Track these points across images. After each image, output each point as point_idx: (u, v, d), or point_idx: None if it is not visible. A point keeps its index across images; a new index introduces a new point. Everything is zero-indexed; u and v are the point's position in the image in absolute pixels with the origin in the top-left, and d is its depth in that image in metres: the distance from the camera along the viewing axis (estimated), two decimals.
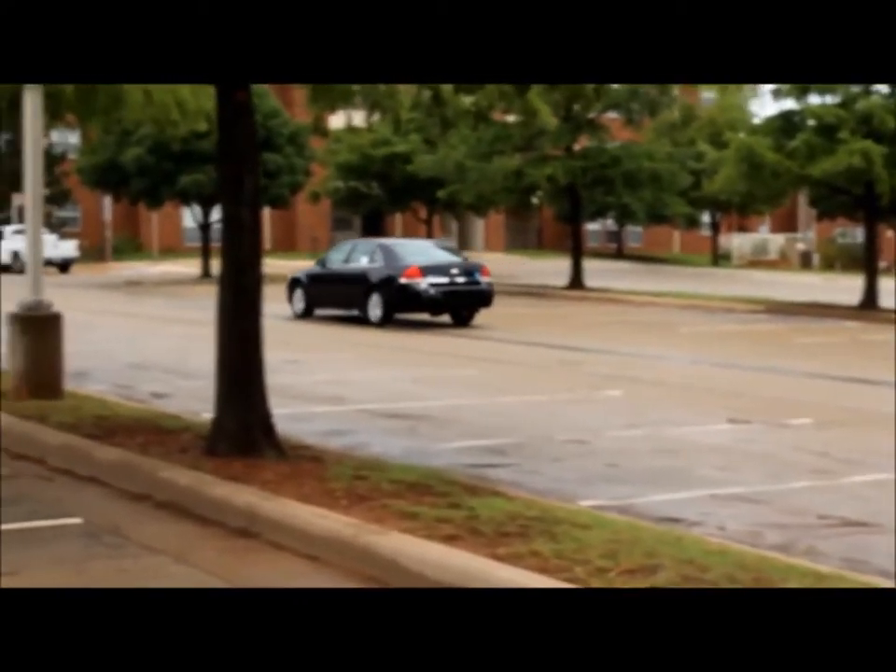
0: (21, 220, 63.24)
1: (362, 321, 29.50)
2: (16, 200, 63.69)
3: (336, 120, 18.20)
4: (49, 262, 59.35)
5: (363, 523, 8.36)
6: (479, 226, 79.71)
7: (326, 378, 18.53)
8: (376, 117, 14.08)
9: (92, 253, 66.48)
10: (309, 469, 10.26)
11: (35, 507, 9.87)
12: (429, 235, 57.39)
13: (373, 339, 25.93)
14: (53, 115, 16.35)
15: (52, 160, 68.12)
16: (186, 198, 50.86)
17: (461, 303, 30.26)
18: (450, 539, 7.93)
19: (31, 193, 15.21)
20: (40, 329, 15.04)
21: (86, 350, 21.92)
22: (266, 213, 72.89)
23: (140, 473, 10.38)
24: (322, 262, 32.43)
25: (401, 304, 29.68)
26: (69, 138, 65.95)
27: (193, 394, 15.73)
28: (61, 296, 35.09)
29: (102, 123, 18.17)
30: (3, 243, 60.74)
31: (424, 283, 29.49)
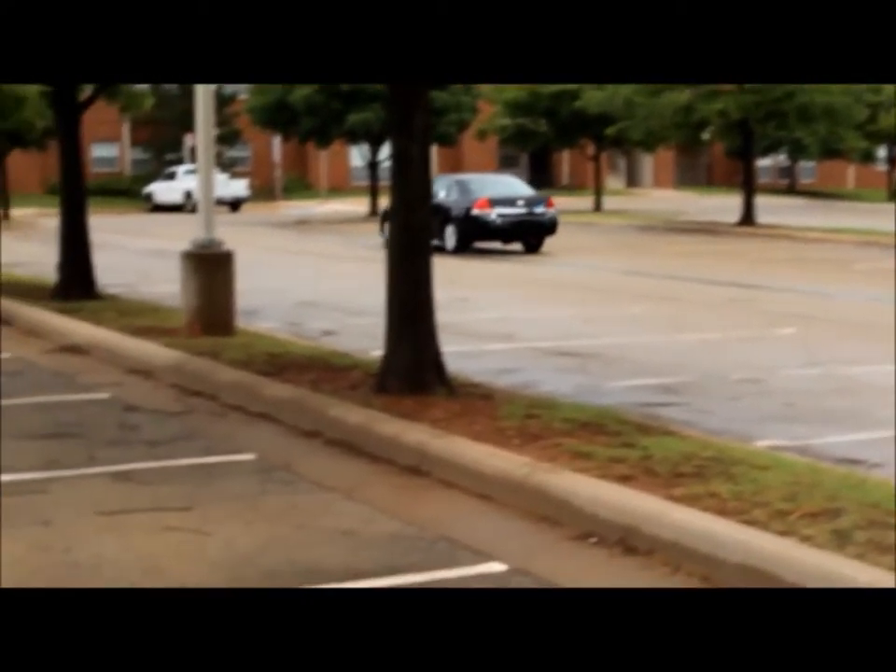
0: (193, 160, 64.15)
1: (441, 250, 30.35)
2: (188, 140, 64.56)
3: None
4: (220, 202, 60.13)
5: (535, 462, 8.24)
6: (648, 163, 78.92)
7: (494, 315, 18.44)
8: None
9: (262, 192, 67.25)
10: (480, 406, 10.17)
11: (209, 443, 9.94)
12: (597, 172, 56.87)
13: (532, 275, 25.74)
14: None
15: (223, 100, 68.86)
16: (354, 137, 51.13)
17: (527, 232, 32.59)
18: (624, 479, 7.79)
19: (202, 133, 15.32)
20: (212, 266, 15.18)
21: (257, 288, 22.13)
22: (433, 151, 72.98)
23: (311, 410, 10.39)
24: None
25: (473, 233, 32.40)
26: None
27: (362, 331, 15.74)
28: (232, 234, 35.47)
29: None
30: (176, 183, 61.75)
31: (492, 213, 32.07)
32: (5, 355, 14.53)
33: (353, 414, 9.98)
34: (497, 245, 33.31)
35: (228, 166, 68.63)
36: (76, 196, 19.44)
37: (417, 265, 10.96)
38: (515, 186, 35.38)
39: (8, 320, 17.41)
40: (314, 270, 27.54)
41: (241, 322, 16.01)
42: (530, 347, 15.24)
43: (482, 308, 19.65)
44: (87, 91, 20.86)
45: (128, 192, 68.67)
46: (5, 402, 11.54)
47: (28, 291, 19.76)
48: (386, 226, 31.33)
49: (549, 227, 32.74)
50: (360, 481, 8.74)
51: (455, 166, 75.44)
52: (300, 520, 7.80)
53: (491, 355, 14.64)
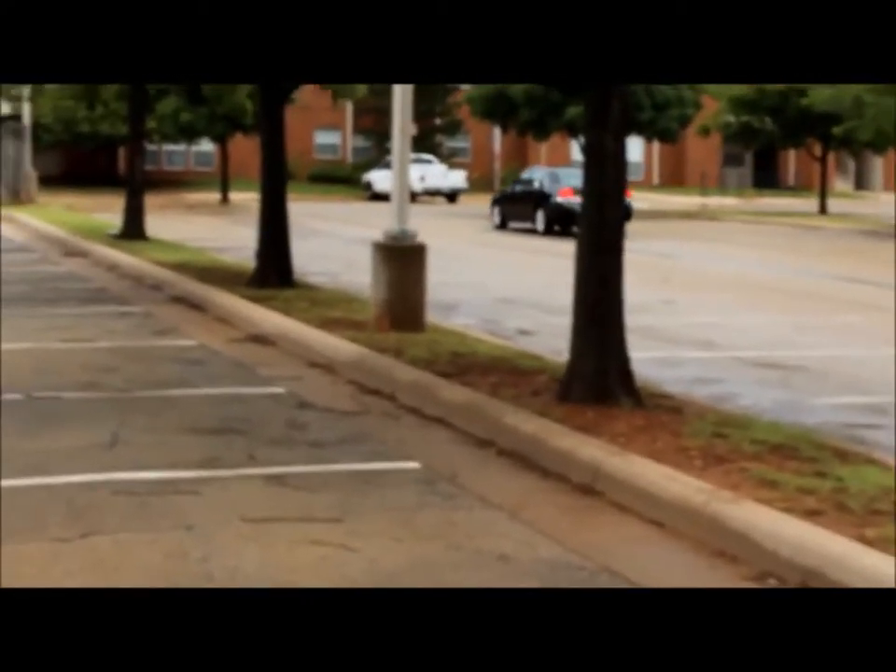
0: (414, 151, 64.25)
1: (534, 231, 37.84)
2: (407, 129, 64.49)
3: None
4: (437, 192, 60.35)
5: (716, 488, 7.53)
6: (877, 164, 76.40)
7: (696, 320, 17.62)
8: None
9: (481, 183, 66.99)
10: (665, 421, 9.47)
11: (377, 447, 9.46)
12: (823, 174, 55.15)
13: (743, 278, 24.72)
14: None
15: (445, 91, 68.88)
16: (573, 129, 50.35)
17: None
18: (811, 514, 7.01)
19: (398, 125, 14.91)
20: (404, 259, 14.74)
21: (458, 281, 21.74)
22: (654, 147, 71.93)
23: (486, 417, 9.83)
24: (512, 186, 42.08)
25: (558, 218, 37.56)
26: None
27: (561, 332, 15.04)
28: (442, 226, 35.29)
29: None
30: (389, 172, 61.79)
31: (577, 201, 33.48)
32: (190, 342, 14.33)
33: (528, 423, 9.38)
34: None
35: (447, 157, 68.62)
36: (276, 183, 19.25)
37: (607, 264, 10.29)
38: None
39: (202, 306, 17.28)
40: (519, 264, 27.00)
41: (437, 317, 15.59)
42: (731, 356, 14.41)
43: (684, 311, 18.84)
44: None
45: (349, 180, 69.16)
46: (179, 392, 11.29)
47: (227, 277, 19.67)
48: (496, 209, 39.87)
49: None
50: (527, 498, 8.14)
51: (676, 163, 74.31)
52: (455, 540, 7.23)
53: (689, 363, 13.87)
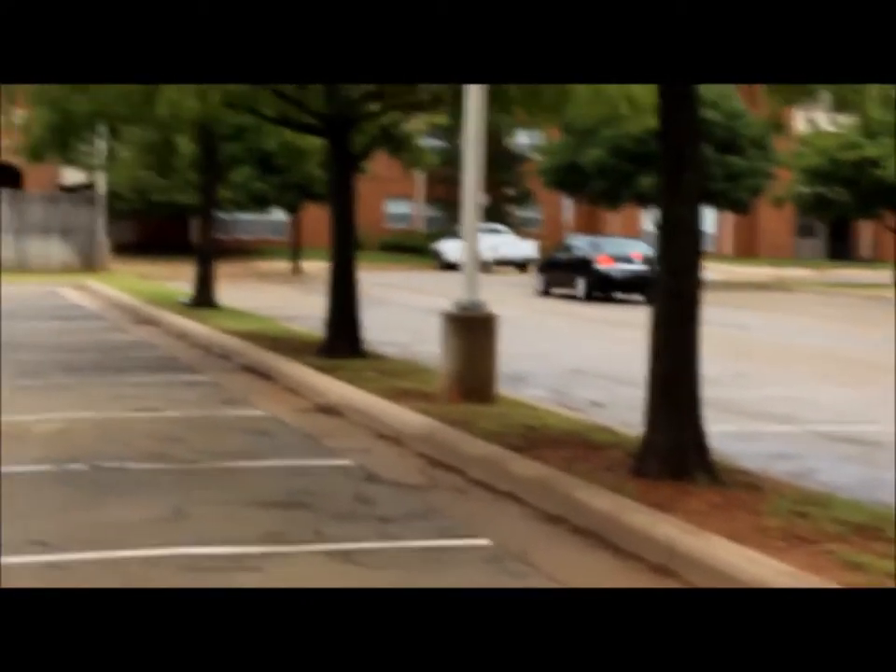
0: (485, 220, 64.23)
1: (575, 297, 39.32)
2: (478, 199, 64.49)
3: (802, 123, 17.04)
4: (508, 262, 60.21)
5: (799, 571, 7.21)
6: None
7: (773, 393, 17.26)
8: (842, 117, 12.85)
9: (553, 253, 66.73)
10: (743, 499, 9.16)
11: (445, 523, 9.21)
12: None
13: (819, 350, 24.30)
14: (500, 108, 15.87)
15: (515, 160, 68.93)
16: (644, 200, 50.17)
17: (642, 285, 36.65)
18: None
19: (469, 195, 14.77)
20: (474, 329, 14.52)
21: (528, 352, 21.49)
22: (728, 218, 71.53)
23: (558, 493, 9.56)
24: (554, 254, 43.78)
25: (597, 285, 39.13)
26: (533, 139, 66.13)
27: (634, 404, 14.78)
28: (512, 296, 35.14)
29: (551, 120, 17.58)
30: (459, 241, 61.75)
31: (614, 268, 38.96)
32: (258, 412, 14.17)
33: (601, 500, 9.10)
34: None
35: (518, 227, 68.59)
36: (346, 251, 19.16)
37: (682, 336, 10.04)
38: (638, 246, 41.10)
39: (271, 376, 17.15)
40: (590, 334, 26.71)
41: (505, 388, 15.33)
42: (809, 431, 14.03)
43: (760, 384, 18.47)
44: (361, 141, 20.57)
45: (420, 249, 69.21)
46: (245, 464, 11.11)
47: (297, 346, 19.55)
48: (541, 276, 41.37)
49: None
50: (601, 579, 7.84)
51: (748, 234, 73.87)
52: None
53: (765, 437, 13.52)
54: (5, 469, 10.61)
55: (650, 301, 33.05)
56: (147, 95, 16.02)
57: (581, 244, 42.82)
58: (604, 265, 39.13)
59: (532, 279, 43.70)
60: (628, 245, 41.97)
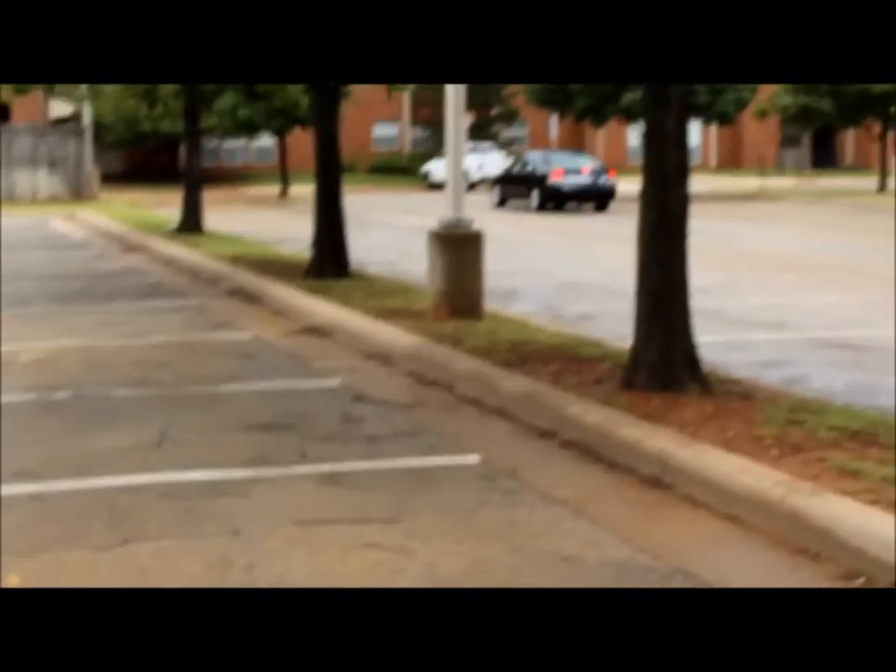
0: (471, 139, 63.69)
1: (531, 209, 41.26)
2: (466, 120, 63.94)
3: None
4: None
5: (794, 480, 6.96)
6: None
7: (762, 301, 16.96)
8: None
9: None
10: (736, 408, 8.90)
11: (434, 441, 8.95)
12: (882, 152, 54.01)
13: (802, 257, 23.96)
14: None
15: None
16: (629, 115, 49.60)
17: (591, 196, 41.45)
18: None
19: (452, 114, 14.36)
20: (460, 247, 14.20)
21: (519, 268, 21.22)
22: (712, 130, 70.95)
23: (547, 407, 9.30)
24: (509, 168, 45.43)
25: (549, 196, 41.35)
26: None
27: (624, 317, 14.49)
28: (498, 214, 34.78)
29: None
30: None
31: (565, 181, 41.27)
32: (245, 335, 13.89)
33: (592, 413, 8.84)
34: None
35: (505, 145, 68.06)
36: (331, 174, 18.81)
37: (670, 248, 9.73)
38: (587, 161, 44.32)
39: (258, 298, 16.85)
40: (581, 250, 26.37)
41: (498, 304, 15.08)
42: (800, 338, 13.74)
43: (749, 293, 18.17)
44: None
45: (408, 171, 68.65)
46: (231, 388, 10.83)
47: (284, 269, 19.23)
48: (496, 188, 43.29)
49: (608, 192, 41.35)
50: (593, 493, 7.60)
51: (733, 145, 73.30)
52: (517, 540, 6.70)
53: (757, 345, 13.24)
54: None
55: (599, 210, 36.39)
56: None
57: (534, 158, 45.09)
58: (555, 178, 41.37)
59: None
60: (578, 160, 44.56)
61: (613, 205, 40.95)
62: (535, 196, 41.84)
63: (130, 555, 6.49)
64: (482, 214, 37.05)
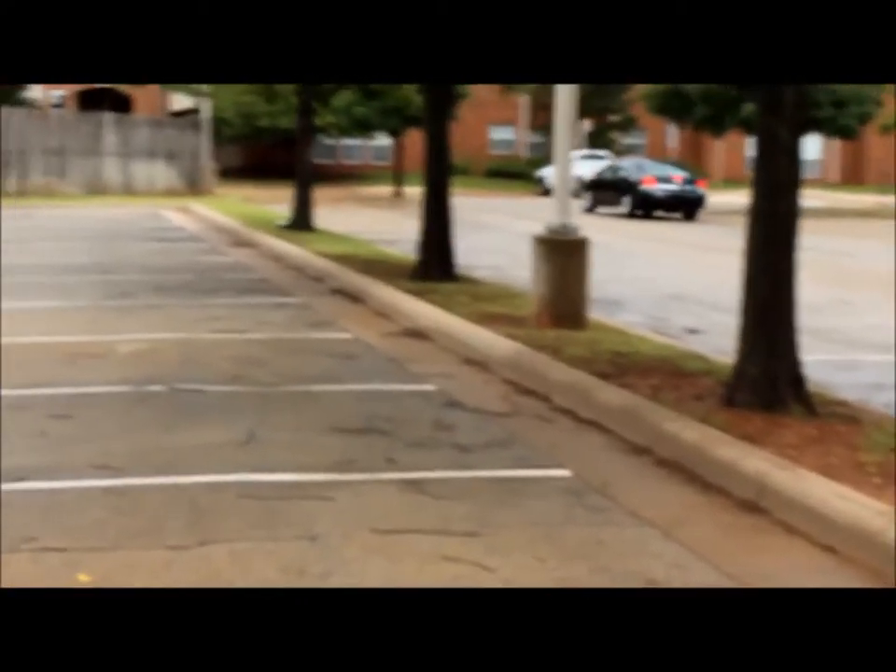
0: (587, 146, 63.36)
1: (621, 215, 41.58)
2: (583, 126, 63.71)
3: None
4: None
5: None
6: None
7: (876, 321, 16.50)
8: None
9: None
10: (840, 432, 8.58)
11: (526, 452, 8.73)
12: None
13: None
14: None
15: (622, 87, 67.80)
16: (749, 126, 48.91)
17: (681, 204, 41.96)
18: None
19: (561, 120, 14.16)
20: (565, 253, 13.98)
21: (624, 277, 20.95)
22: (834, 145, 69.88)
23: (643, 422, 9.03)
24: (601, 174, 45.62)
25: (641, 203, 41.84)
26: None
27: (732, 331, 14.16)
28: (607, 222, 34.45)
29: None
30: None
31: (657, 188, 41.82)
32: (346, 335, 13.77)
33: (689, 431, 8.56)
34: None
35: (622, 153, 67.56)
36: (440, 176, 18.65)
37: (778, 261, 9.43)
38: (678, 170, 45.14)
39: (362, 298, 16.74)
40: (690, 261, 25.96)
41: (601, 313, 14.83)
42: None
43: (862, 312, 17.67)
44: None
45: (523, 175, 68.42)
46: (325, 388, 10.70)
47: (390, 270, 19.11)
48: (588, 193, 43.52)
49: (697, 201, 42.16)
50: (685, 514, 7.33)
51: (855, 161, 72.13)
52: (602, 560, 6.46)
53: (867, 367, 12.81)
54: (84, 389, 10.32)
55: (687, 219, 37.30)
56: None
57: (627, 164, 45.83)
58: (647, 185, 41.95)
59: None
60: (670, 168, 45.47)
61: (701, 215, 41.81)
62: (626, 202, 42.42)
63: (205, 556, 6.35)
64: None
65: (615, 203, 42.99)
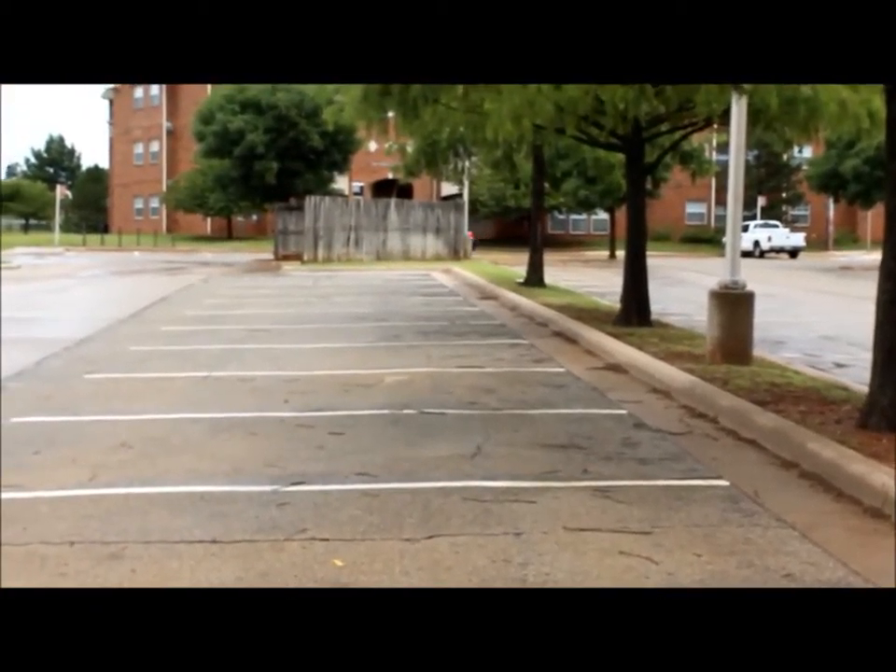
0: (762, 217, 61.73)
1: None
2: (760, 201, 62.04)
3: None
4: (781, 250, 57.64)
5: None
6: None
7: None
8: None
9: (817, 244, 63.75)
10: None
11: (694, 465, 8.37)
12: None
13: None
14: (755, 124, 14.70)
15: (791, 170, 66.06)
16: None
17: (785, 250, 55.14)
18: None
19: (732, 191, 13.72)
20: (734, 304, 13.51)
21: (789, 322, 20.13)
22: None
23: (791, 441, 8.57)
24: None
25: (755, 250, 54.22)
26: (804, 152, 62.94)
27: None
28: (784, 277, 33.29)
29: (804, 135, 16.16)
30: (747, 234, 59.55)
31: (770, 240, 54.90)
32: (560, 369, 13.53)
33: (827, 449, 8.08)
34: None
35: (790, 222, 65.71)
36: (638, 241, 18.29)
37: None
38: (781, 228, 58.39)
39: (576, 340, 16.47)
40: (845, 308, 24.88)
41: (764, 351, 14.24)
42: None
43: None
44: (654, 155, 19.72)
45: (712, 241, 67.06)
46: (539, 412, 10.49)
47: (600, 317, 18.82)
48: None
49: (798, 249, 54.96)
50: (820, 519, 6.89)
51: None
52: (748, 557, 6.10)
53: None
54: (355, 412, 10.37)
55: (791, 258, 47.83)
56: (481, 122, 15.47)
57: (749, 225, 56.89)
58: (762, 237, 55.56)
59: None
60: (777, 228, 58.44)
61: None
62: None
63: (431, 548, 6.23)
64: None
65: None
